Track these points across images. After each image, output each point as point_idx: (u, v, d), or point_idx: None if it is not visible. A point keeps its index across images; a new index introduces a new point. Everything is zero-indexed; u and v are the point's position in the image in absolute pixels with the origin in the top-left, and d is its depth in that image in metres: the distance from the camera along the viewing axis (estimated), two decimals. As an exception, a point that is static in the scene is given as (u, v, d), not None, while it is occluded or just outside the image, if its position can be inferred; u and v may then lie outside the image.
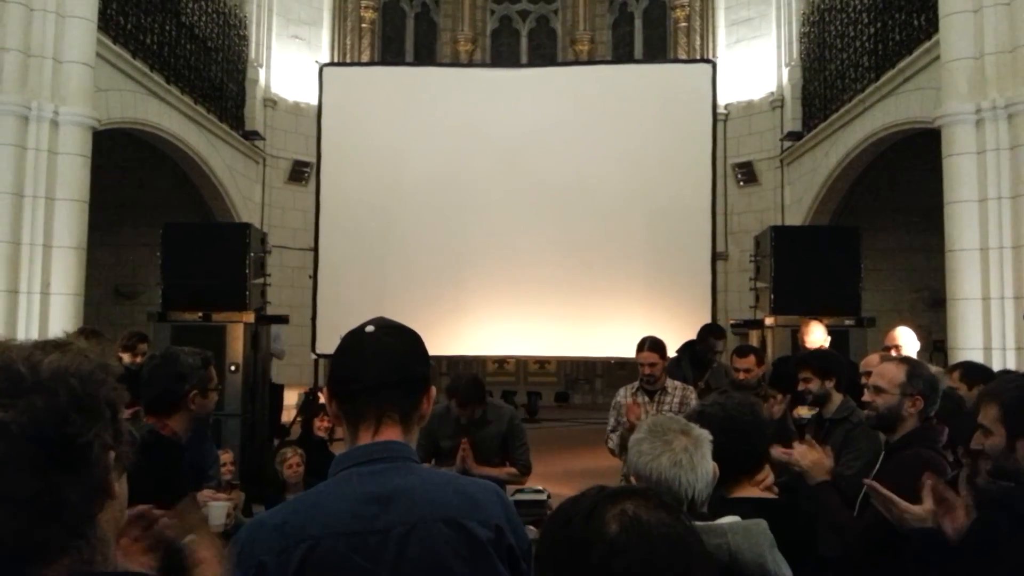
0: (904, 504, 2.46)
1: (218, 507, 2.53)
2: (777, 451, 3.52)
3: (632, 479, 1.98)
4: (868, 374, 3.70)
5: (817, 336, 5.83)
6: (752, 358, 5.10)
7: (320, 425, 6.57)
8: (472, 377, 5.07)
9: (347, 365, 1.56)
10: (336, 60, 13.99)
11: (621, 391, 5.45)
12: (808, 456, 3.26)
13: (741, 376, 5.07)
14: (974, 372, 4.00)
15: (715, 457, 2.00)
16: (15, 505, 0.82)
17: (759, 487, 2.28)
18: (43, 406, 0.84)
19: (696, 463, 1.92)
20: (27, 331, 6.62)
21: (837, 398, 4.27)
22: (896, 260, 12.19)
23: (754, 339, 7.67)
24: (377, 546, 1.39)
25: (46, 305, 6.74)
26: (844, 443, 4.03)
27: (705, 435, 2.01)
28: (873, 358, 4.51)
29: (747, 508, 1.96)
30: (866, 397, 3.55)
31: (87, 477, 0.88)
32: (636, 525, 1.09)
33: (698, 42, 14.43)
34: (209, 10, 11.40)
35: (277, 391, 8.75)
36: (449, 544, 1.41)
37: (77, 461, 0.86)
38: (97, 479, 0.89)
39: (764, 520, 1.89)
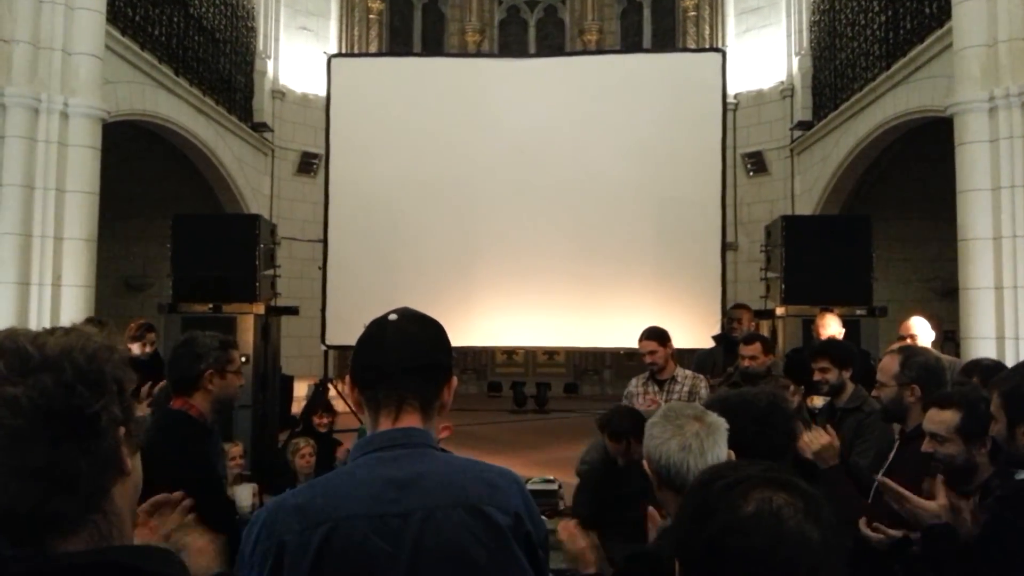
0: (917, 500, 2.46)
1: (244, 489, 2.57)
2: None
3: (644, 463, 1.98)
4: None
5: (833, 328, 5.82)
6: (758, 345, 5.10)
7: (320, 422, 6.58)
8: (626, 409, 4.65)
9: (369, 352, 1.57)
10: (344, 51, 13.98)
11: (633, 381, 5.47)
12: (818, 441, 3.26)
13: (747, 363, 5.06)
14: (989, 372, 4.00)
15: (735, 444, 2.01)
16: (30, 475, 0.86)
17: None
18: (50, 381, 0.88)
19: (706, 449, 1.92)
20: (39, 323, 6.64)
21: (850, 387, 4.27)
22: (908, 250, 12.12)
23: (764, 329, 7.64)
24: (397, 529, 1.40)
25: (57, 297, 6.76)
26: (857, 432, 4.04)
27: (720, 422, 2.01)
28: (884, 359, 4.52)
29: None
30: (874, 393, 3.57)
31: (97, 448, 0.91)
32: (773, 518, 1.05)
33: (707, 31, 14.35)
34: (217, 1, 11.40)
35: (287, 382, 8.78)
36: (468, 529, 1.42)
37: (86, 432, 0.90)
38: (107, 451, 0.93)
39: None
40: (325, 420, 6.59)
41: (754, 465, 1.14)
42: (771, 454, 2.25)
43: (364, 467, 1.48)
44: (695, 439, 1.93)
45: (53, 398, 0.88)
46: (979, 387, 2.78)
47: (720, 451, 1.95)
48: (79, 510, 0.91)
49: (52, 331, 0.94)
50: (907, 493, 2.49)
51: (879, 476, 2.85)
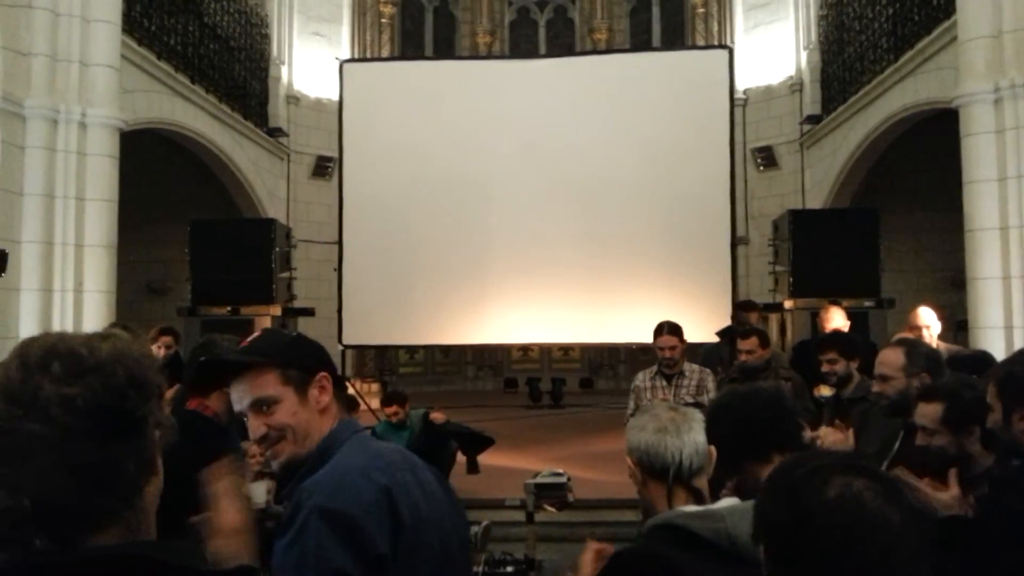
0: (929, 491, 2.50)
1: (259, 485, 2.64)
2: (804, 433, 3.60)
3: (628, 459, 2.05)
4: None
5: (837, 321, 5.87)
6: (755, 339, 5.15)
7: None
8: None
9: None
10: (356, 55, 14.11)
11: (640, 375, 5.55)
12: (831, 437, 3.32)
13: (743, 357, 5.12)
14: (967, 363, 4.08)
15: (745, 434, 2.13)
16: (80, 472, 0.91)
17: None
18: (103, 383, 0.93)
19: (682, 431, 1.98)
20: (61, 328, 6.79)
21: (856, 378, 4.34)
22: (918, 240, 12.10)
23: (773, 322, 7.70)
24: (419, 477, 1.72)
25: (79, 303, 6.93)
26: (862, 422, 4.10)
27: (696, 412, 2.09)
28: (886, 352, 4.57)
29: None
30: (875, 387, 3.61)
31: (140, 449, 0.97)
32: (854, 502, 1.13)
33: (716, 27, 14.36)
34: (231, 10, 11.55)
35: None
36: (438, 479, 1.81)
37: (132, 433, 0.96)
38: (147, 452, 0.99)
39: None
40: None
41: (832, 453, 1.25)
42: (782, 442, 2.32)
43: (367, 440, 1.79)
44: (671, 423, 1.99)
45: (105, 399, 0.93)
46: (967, 378, 2.82)
47: (697, 436, 2.00)
48: (116, 506, 0.95)
49: (100, 336, 1.01)
50: (919, 483, 2.52)
51: (896, 469, 2.90)
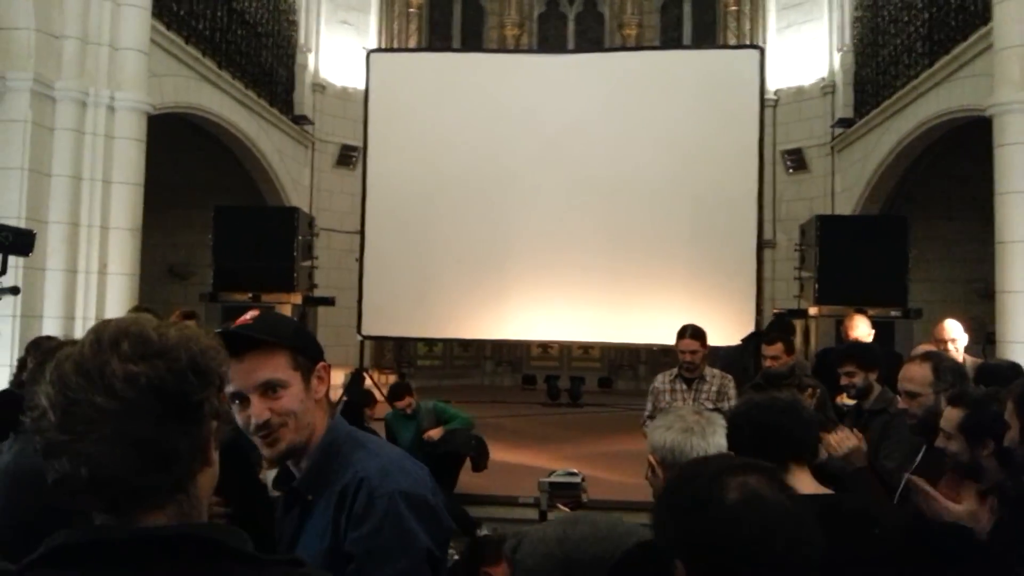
0: (944, 501, 2.48)
1: (275, 472, 2.66)
2: (825, 437, 3.56)
3: (650, 457, 2.07)
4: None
5: (862, 330, 5.78)
6: (780, 345, 5.09)
7: (370, 414, 6.83)
8: None
9: None
10: (384, 45, 14.11)
11: (659, 377, 5.50)
12: (845, 443, 3.29)
13: (768, 363, 5.07)
14: (1000, 373, 4.00)
15: (763, 441, 2.13)
16: (138, 447, 0.95)
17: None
18: (167, 366, 0.98)
19: (707, 433, 2.06)
20: (85, 309, 6.88)
21: (876, 389, 4.27)
22: (950, 250, 11.93)
23: (797, 329, 7.62)
24: None
25: (103, 285, 6.99)
26: (883, 433, 4.04)
27: (718, 417, 2.18)
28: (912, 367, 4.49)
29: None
30: (901, 403, 3.55)
31: (195, 434, 1.01)
32: (755, 498, 1.20)
33: (748, 26, 14.22)
34: (260, -5, 11.59)
35: (323, 371, 8.93)
36: None
37: (189, 417, 1.00)
38: (202, 439, 1.02)
39: None
40: (370, 412, 6.87)
41: (718, 457, 1.32)
42: (798, 451, 2.30)
43: (368, 437, 1.79)
44: (696, 424, 2.08)
45: (166, 380, 0.97)
46: (998, 391, 2.78)
47: (720, 439, 2.08)
48: (169, 488, 0.99)
49: (172, 324, 1.05)
50: (934, 492, 2.53)
51: (908, 475, 2.87)
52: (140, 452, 0.95)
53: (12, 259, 5.10)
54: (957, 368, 3.54)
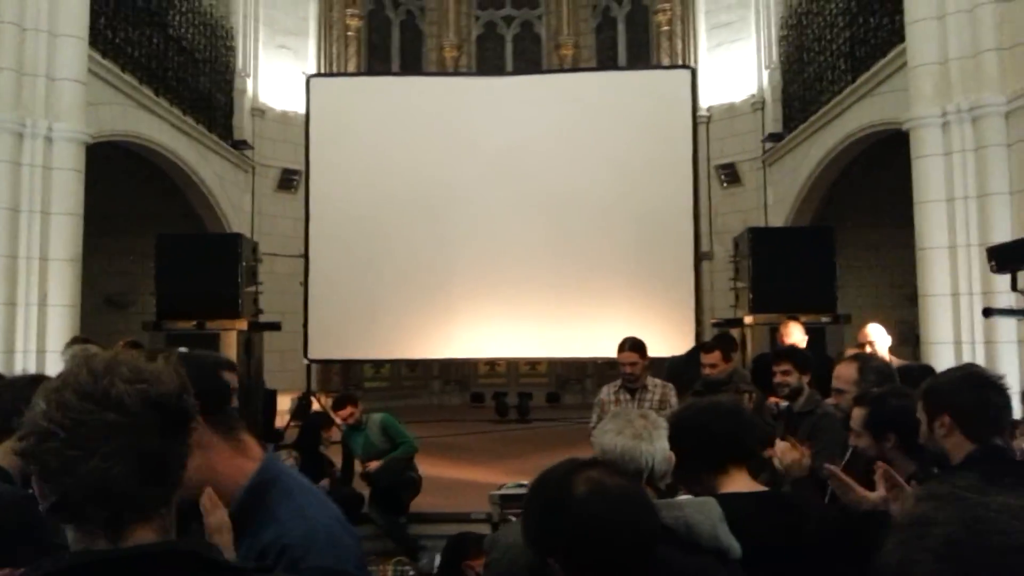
0: (860, 490, 2.67)
1: None
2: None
3: (599, 457, 2.19)
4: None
5: (796, 336, 6.04)
6: (717, 353, 5.31)
7: (327, 436, 6.82)
8: None
9: None
10: (323, 68, 14.15)
11: (604, 389, 5.67)
12: (789, 455, 3.46)
13: (707, 371, 5.27)
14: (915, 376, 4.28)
15: (705, 447, 2.28)
16: (142, 460, 1.05)
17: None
18: (164, 385, 1.09)
19: (654, 439, 2.17)
20: (25, 341, 6.78)
21: (806, 391, 4.50)
22: (879, 256, 12.41)
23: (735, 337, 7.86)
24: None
25: (43, 316, 6.90)
26: (811, 434, 4.26)
27: (661, 421, 2.26)
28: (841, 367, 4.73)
29: (733, 503, 2.11)
30: (831, 400, 3.79)
31: (182, 451, 1.11)
32: (599, 487, 1.43)
33: (680, 46, 14.62)
34: (196, 22, 11.55)
35: (270, 396, 8.91)
36: None
37: (181, 434, 1.10)
38: (185, 457, 1.12)
39: (713, 499, 2.11)
40: (328, 434, 6.84)
41: (565, 461, 1.53)
42: (739, 455, 2.45)
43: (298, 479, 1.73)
44: (644, 430, 2.18)
45: (168, 396, 1.08)
46: (900, 388, 3.00)
47: (663, 443, 2.19)
48: (160, 500, 1.08)
49: (148, 357, 1.15)
50: (851, 482, 2.67)
51: (827, 465, 3.05)
52: (143, 465, 1.04)
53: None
54: (883, 369, 3.77)
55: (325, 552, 1.50)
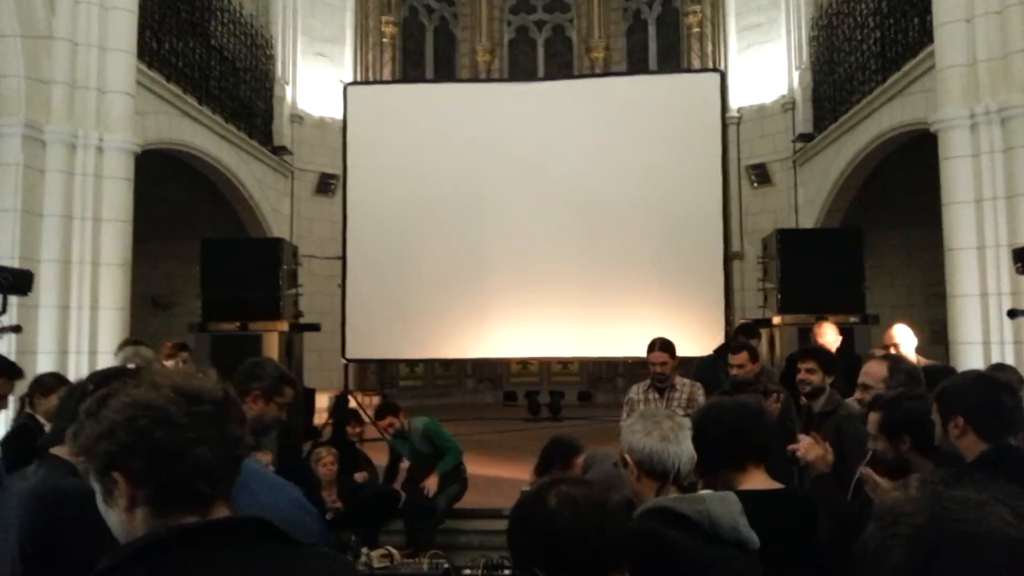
0: (888, 487, 2.77)
1: None
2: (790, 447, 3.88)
3: (626, 456, 2.31)
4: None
5: (830, 337, 6.07)
6: (745, 354, 5.39)
7: (352, 431, 7.00)
8: None
9: None
10: (359, 75, 14.45)
11: (633, 388, 5.81)
12: (813, 451, 3.58)
13: (734, 371, 5.36)
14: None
15: (726, 443, 2.42)
16: (227, 444, 1.26)
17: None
18: (229, 389, 1.32)
19: (680, 440, 2.30)
20: (78, 344, 7.10)
21: (827, 392, 4.60)
22: (911, 256, 12.36)
23: (763, 338, 7.96)
24: None
25: (95, 319, 7.21)
26: (834, 434, 4.36)
27: (685, 422, 2.38)
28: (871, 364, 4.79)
29: (751, 499, 2.25)
30: (856, 395, 3.89)
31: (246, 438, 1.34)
32: (567, 498, 1.64)
33: (710, 48, 14.69)
34: (236, 32, 11.87)
35: (309, 395, 9.17)
36: None
37: (240, 424, 1.31)
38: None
39: (733, 493, 2.26)
40: (357, 429, 7.01)
41: (544, 482, 1.73)
42: (758, 454, 2.57)
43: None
44: (671, 432, 2.30)
45: (233, 395, 1.31)
46: (915, 391, 3.09)
47: (688, 444, 2.31)
48: (233, 479, 1.28)
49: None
50: (881, 481, 2.77)
51: (860, 468, 3.15)
52: (229, 446, 1.26)
53: (10, 298, 5.35)
54: (912, 371, 3.86)
55: None
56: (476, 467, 8.04)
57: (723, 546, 2.11)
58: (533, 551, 1.68)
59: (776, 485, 2.51)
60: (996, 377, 2.71)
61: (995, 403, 2.52)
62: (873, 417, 2.91)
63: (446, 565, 5.01)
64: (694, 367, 7.15)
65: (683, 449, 2.29)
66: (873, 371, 3.77)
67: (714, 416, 2.52)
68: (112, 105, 7.39)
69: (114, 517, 1.25)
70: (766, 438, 2.56)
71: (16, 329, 5.28)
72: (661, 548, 2.03)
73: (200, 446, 1.22)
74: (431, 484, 6.51)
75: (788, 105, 13.33)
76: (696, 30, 14.92)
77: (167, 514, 1.21)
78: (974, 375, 2.73)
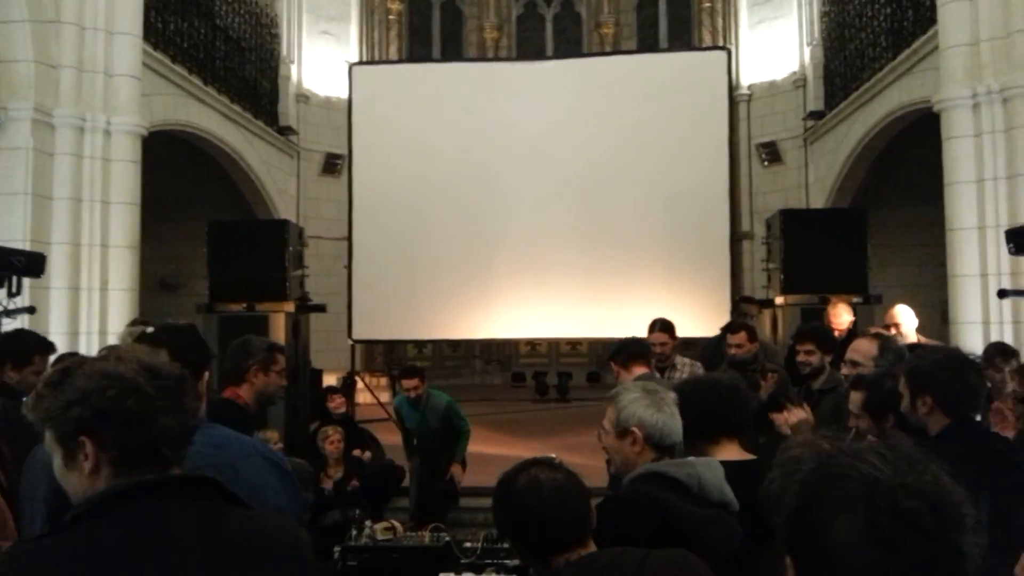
0: None
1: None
2: (774, 416, 3.97)
3: (634, 428, 2.39)
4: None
5: (844, 317, 6.08)
6: (743, 334, 5.43)
7: (331, 405, 7.12)
8: None
9: None
10: (365, 53, 14.44)
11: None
12: (796, 414, 3.66)
13: (732, 351, 5.40)
14: None
15: (705, 419, 2.56)
16: (186, 413, 1.41)
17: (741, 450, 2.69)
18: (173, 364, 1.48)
19: (676, 413, 2.44)
20: (88, 324, 7.23)
21: (826, 371, 4.66)
22: (921, 235, 12.29)
23: (766, 318, 8.00)
24: None
25: (105, 300, 7.34)
26: (834, 411, 4.42)
27: (673, 396, 2.50)
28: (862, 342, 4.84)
29: (728, 468, 2.37)
30: (844, 371, 3.96)
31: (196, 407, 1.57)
32: (533, 481, 1.88)
33: (721, 23, 14.58)
34: (241, 11, 11.87)
35: (316, 375, 9.28)
36: None
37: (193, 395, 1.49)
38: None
39: (716, 459, 2.39)
40: (336, 402, 7.10)
41: (522, 462, 1.96)
42: (731, 430, 2.67)
43: None
44: (671, 407, 2.44)
45: (184, 371, 1.45)
46: (893, 371, 3.16)
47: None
48: (187, 445, 1.42)
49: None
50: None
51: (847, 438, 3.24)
52: (187, 417, 1.41)
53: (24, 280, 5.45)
54: (900, 351, 3.93)
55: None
56: (483, 446, 8.16)
57: (711, 507, 2.25)
58: (506, 526, 1.96)
59: (749, 456, 2.63)
60: (963, 356, 2.78)
61: (962, 383, 2.62)
62: (856, 396, 2.99)
63: (447, 538, 5.12)
64: (701, 346, 7.20)
65: (678, 422, 2.42)
66: (863, 348, 3.83)
67: (689, 392, 2.63)
68: (119, 88, 7.46)
69: (74, 479, 1.36)
70: (737, 414, 2.68)
71: (30, 310, 5.39)
72: (658, 509, 2.17)
73: (165, 415, 1.35)
74: (457, 473, 6.61)
75: (799, 82, 13.24)
76: (707, 5, 14.77)
77: (130, 475, 1.33)
78: (942, 354, 2.80)
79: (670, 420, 2.39)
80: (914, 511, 0.93)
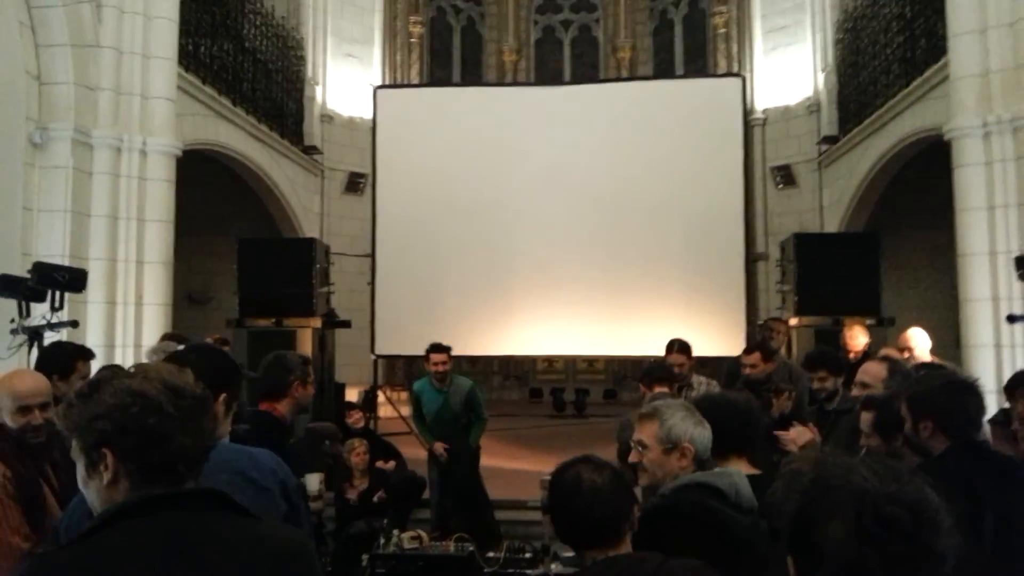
0: None
1: (314, 476, 3.18)
2: (780, 434, 4.14)
3: (687, 445, 2.56)
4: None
5: (861, 340, 6.23)
6: (757, 355, 5.59)
7: (350, 420, 7.29)
8: None
9: None
10: (387, 75, 14.75)
11: (652, 386, 6.03)
12: (803, 436, 3.82)
13: (747, 371, 5.56)
14: None
15: (719, 436, 2.67)
16: (204, 432, 1.50)
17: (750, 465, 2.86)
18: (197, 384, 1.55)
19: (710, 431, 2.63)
20: (124, 337, 7.47)
21: (840, 392, 4.82)
22: (935, 259, 12.41)
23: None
24: None
25: (140, 314, 7.59)
26: (852, 431, 4.57)
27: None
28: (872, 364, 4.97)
29: None
30: (853, 392, 4.13)
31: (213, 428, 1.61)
32: (576, 478, 2.07)
33: (736, 49, 14.80)
34: (269, 34, 12.19)
35: (340, 389, 9.49)
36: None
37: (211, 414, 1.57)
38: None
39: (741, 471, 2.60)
40: (354, 417, 7.29)
41: (570, 459, 2.14)
42: (740, 447, 2.84)
43: None
44: (706, 423, 2.63)
45: (207, 392, 1.53)
46: (899, 392, 3.32)
47: None
48: (203, 461, 1.49)
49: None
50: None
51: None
52: (204, 437, 1.49)
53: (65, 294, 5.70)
54: (908, 374, 4.10)
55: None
56: (502, 460, 8.33)
57: (748, 513, 2.43)
58: (549, 511, 2.17)
59: (756, 471, 2.77)
60: (960, 380, 2.94)
61: (960, 408, 2.77)
62: (866, 416, 3.16)
63: (471, 548, 5.29)
64: (727, 368, 7.32)
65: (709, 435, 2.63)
66: (873, 371, 4.01)
67: (703, 410, 2.75)
68: (155, 110, 7.75)
69: (94, 488, 1.44)
70: (748, 433, 2.84)
71: (74, 324, 5.64)
72: (711, 516, 2.35)
73: (184, 435, 1.43)
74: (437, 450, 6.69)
75: (813, 107, 13.41)
76: (722, 31, 15.01)
77: (147, 489, 1.41)
78: (940, 380, 2.96)
79: (709, 434, 2.59)
80: (895, 515, 1.10)
